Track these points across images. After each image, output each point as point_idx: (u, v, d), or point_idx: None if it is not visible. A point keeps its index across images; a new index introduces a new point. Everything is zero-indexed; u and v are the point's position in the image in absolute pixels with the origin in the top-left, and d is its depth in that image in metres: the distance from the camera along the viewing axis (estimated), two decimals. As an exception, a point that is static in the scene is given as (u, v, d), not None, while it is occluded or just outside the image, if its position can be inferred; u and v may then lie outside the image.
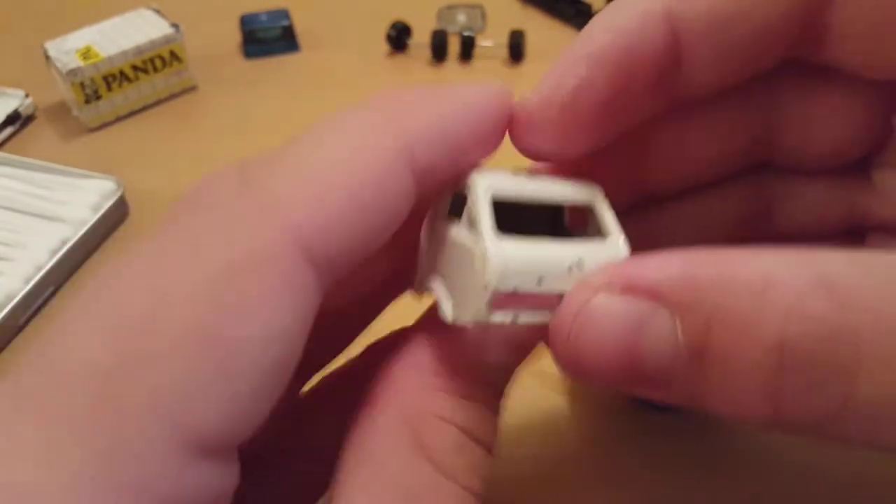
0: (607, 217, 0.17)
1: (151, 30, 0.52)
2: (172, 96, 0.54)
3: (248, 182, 0.14)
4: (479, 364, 0.18)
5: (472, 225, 0.16)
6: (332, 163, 0.15)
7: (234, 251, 0.13)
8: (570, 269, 0.15)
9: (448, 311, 0.17)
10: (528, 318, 0.16)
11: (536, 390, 0.34)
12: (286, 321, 0.13)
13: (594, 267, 0.16)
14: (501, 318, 0.15)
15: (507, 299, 0.15)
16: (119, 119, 0.52)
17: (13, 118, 0.51)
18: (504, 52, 0.58)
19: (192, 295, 0.13)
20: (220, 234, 0.13)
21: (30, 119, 0.52)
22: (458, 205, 0.17)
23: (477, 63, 0.58)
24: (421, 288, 0.19)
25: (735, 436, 0.32)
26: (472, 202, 0.16)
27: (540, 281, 0.15)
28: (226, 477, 0.14)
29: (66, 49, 0.50)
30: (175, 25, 0.53)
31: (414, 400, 0.17)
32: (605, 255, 0.16)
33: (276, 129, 0.52)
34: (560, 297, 0.16)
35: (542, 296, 0.16)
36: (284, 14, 0.59)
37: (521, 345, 0.19)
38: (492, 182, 0.16)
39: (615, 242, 0.16)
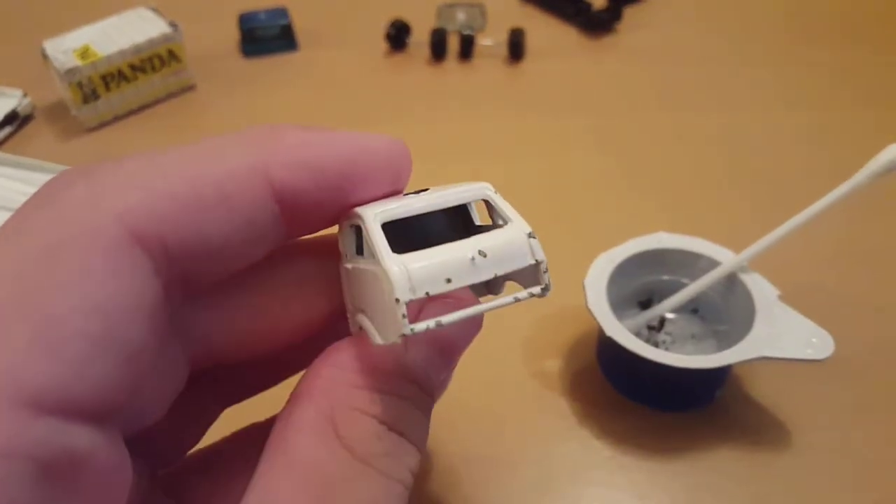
0: (503, 206, 0.18)
1: (150, 29, 0.52)
2: (171, 96, 0.54)
3: (88, 175, 0.16)
4: (399, 363, 0.19)
5: (371, 252, 0.17)
6: (173, 161, 0.16)
7: (58, 232, 0.15)
8: (472, 260, 0.16)
9: (376, 338, 0.17)
10: (450, 318, 0.16)
11: (536, 390, 0.34)
12: (107, 293, 0.14)
13: (497, 252, 0.17)
14: (424, 326, 0.16)
15: (426, 306, 0.17)
16: (117, 119, 0.52)
17: (11, 118, 0.51)
18: (504, 50, 0.57)
19: (15, 272, 0.14)
20: (49, 219, 0.15)
21: (28, 119, 0.52)
22: (360, 242, 0.18)
23: (476, 61, 0.58)
24: (354, 328, 0.20)
25: (736, 436, 0.32)
26: (365, 232, 0.17)
27: (449, 280, 0.16)
28: (82, 439, 0.14)
29: (64, 48, 0.50)
30: (173, 24, 0.53)
31: (331, 395, 0.17)
32: (505, 238, 0.17)
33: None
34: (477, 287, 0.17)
35: (457, 294, 0.17)
36: (283, 13, 0.59)
37: (443, 345, 0.19)
38: (378, 210, 0.17)
39: (515, 225, 0.18)
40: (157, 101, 0.54)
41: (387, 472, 0.17)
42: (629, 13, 0.62)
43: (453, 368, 0.21)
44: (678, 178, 0.46)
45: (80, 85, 0.49)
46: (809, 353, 0.30)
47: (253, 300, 0.19)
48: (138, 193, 0.15)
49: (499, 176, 0.47)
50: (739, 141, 0.49)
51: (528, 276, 0.18)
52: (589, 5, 0.61)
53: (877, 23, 0.62)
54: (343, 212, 0.18)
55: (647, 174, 0.47)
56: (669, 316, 0.36)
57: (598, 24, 0.60)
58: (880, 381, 0.34)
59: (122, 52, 0.50)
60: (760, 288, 0.32)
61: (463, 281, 0.16)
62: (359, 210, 0.18)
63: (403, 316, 0.16)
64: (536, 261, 0.17)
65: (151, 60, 0.52)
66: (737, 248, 0.33)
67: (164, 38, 0.52)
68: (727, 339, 0.33)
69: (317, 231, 0.19)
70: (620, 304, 0.35)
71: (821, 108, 0.52)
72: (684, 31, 0.61)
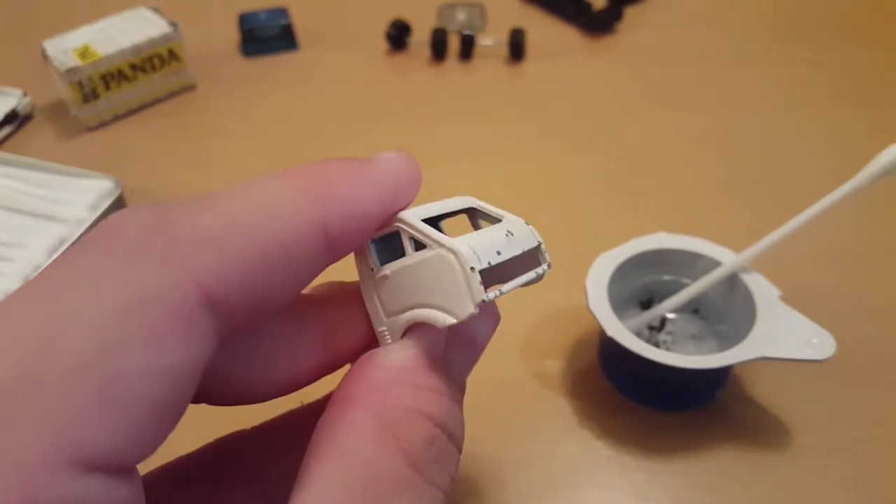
0: (491, 209, 0.21)
1: (150, 28, 0.52)
2: (171, 95, 0.54)
3: (159, 225, 0.16)
4: (445, 362, 0.19)
5: (420, 245, 0.18)
6: (246, 220, 0.16)
7: (132, 290, 0.14)
8: (507, 235, 0.19)
9: (447, 320, 0.18)
10: (510, 286, 0.18)
11: (536, 390, 0.34)
12: (175, 359, 0.15)
13: (517, 233, 0.19)
14: (493, 294, 0.17)
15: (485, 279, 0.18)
16: (117, 118, 0.52)
17: (11, 117, 0.51)
18: (504, 50, 0.57)
19: (87, 328, 0.14)
20: (123, 272, 0.15)
21: (28, 118, 0.52)
22: (386, 251, 0.20)
23: (477, 61, 0.58)
24: (385, 340, 0.20)
25: (736, 436, 0.32)
26: (413, 231, 0.18)
27: (499, 252, 0.18)
28: (118, 491, 0.14)
29: (64, 48, 0.50)
30: (173, 24, 0.52)
31: (386, 394, 0.17)
32: (514, 224, 0.20)
33: (275, 127, 0.51)
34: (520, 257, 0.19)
35: (505, 264, 0.19)
36: (283, 12, 0.59)
37: (472, 343, 0.20)
38: (413, 212, 0.19)
39: (510, 219, 0.20)
40: (157, 101, 0.54)
41: (433, 480, 0.17)
42: (629, 13, 0.62)
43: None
44: (678, 178, 0.46)
45: (80, 84, 0.49)
46: (810, 354, 0.30)
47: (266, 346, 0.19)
48: (215, 257, 0.15)
49: (499, 176, 0.47)
50: (740, 141, 0.49)
51: (530, 258, 0.19)
52: (589, 5, 0.61)
53: (877, 23, 0.62)
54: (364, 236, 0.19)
55: (647, 174, 0.47)
56: (670, 316, 0.36)
57: (599, 24, 0.60)
58: (881, 381, 0.34)
59: (122, 52, 0.50)
60: (761, 288, 0.32)
61: (509, 252, 0.18)
62: (401, 217, 0.19)
63: (479, 283, 0.17)
64: (538, 242, 0.20)
65: (151, 60, 0.52)
66: (737, 248, 0.33)
67: (165, 38, 0.52)
68: (728, 339, 0.33)
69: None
70: (621, 305, 0.35)
71: (821, 107, 0.52)
72: (684, 31, 0.61)
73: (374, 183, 0.18)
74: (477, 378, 0.35)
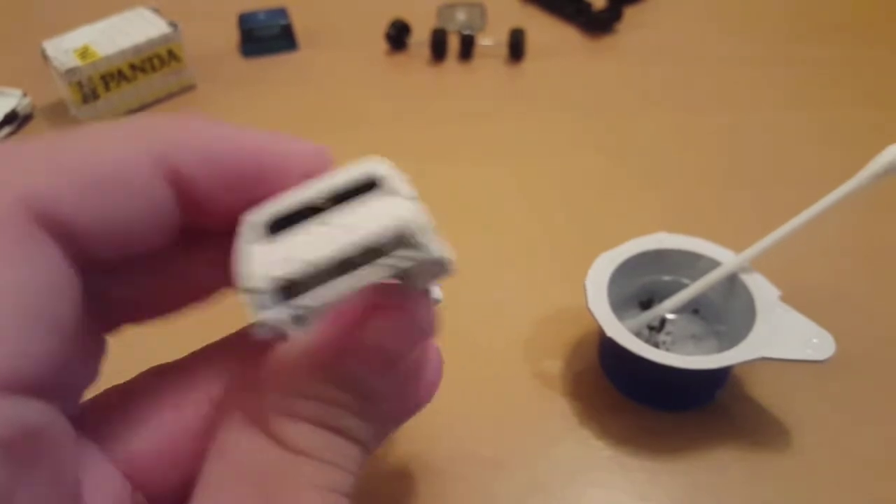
0: (394, 184, 0.17)
1: (149, 29, 0.52)
2: (171, 95, 0.54)
3: None
4: (321, 366, 0.19)
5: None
6: (78, 146, 0.17)
7: None
8: (328, 229, 0.16)
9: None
10: (319, 295, 0.16)
11: (536, 390, 0.34)
12: (30, 274, 0.15)
13: (367, 219, 0.16)
14: (272, 313, 0.16)
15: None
16: (117, 118, 0.52)
17: (11, 118, 0.51)
18: (504, 50, 0.57)
19: None
20: None
21: (27, 118, 0.52)
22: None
23: (477, 62, 0.58)
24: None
25: (736, 436, 0.32)
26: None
27: (307, 259, 0.15)
28: (32, 413, 0.15)
29: (64, 48, 0.50)
30: (173, 24, 0.52)
31: (259, 400, 0.18)
32: (375, 210, 0.16)
33: (274, 127, 0.51)
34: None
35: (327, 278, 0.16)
36: (283, 13, 0.59)
37: (375, 352, 0.19)
38: (263, 211, 0.17)
39: (393, 200, 0.16)
40: (156, 101, 0.54)
41: (324, 458, 0.18)
42: (629, 13, 0.62)
43: (400, 377, 0.20)
44: (678, 178, 0.46)
45: (79, 85, 0.49)
46: (810, 354, 0.29)
47: (165, 280, 0.20)
48: (40, 177, 0.16)
49: (499, 176, 0.47)
50: (740, 141, 0.49)
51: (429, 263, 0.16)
52: (589, 5, 0.61)
53: (878, 22, 0.62)
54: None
55: (647, 174, 0.47)
56: (670, 316, 0.36)
57: (599, 24, 0.60)
58: (881, 381, 0.34)
59: (122, 52, 0.50)
60: (761, 288, 0.32)
61: (325, 253, 0.15)
62: (246, 217, 0.18)
63: (257, 303, 0.16)
64: (408, 226, 0.15)
65: (151, 60, 0.52)
66: (737, 249, 0.33)
67: (164, 38, 0.52)
68: (728, 339, 0.33)
69: (221, 225, 0.19)
70: (621, 305, 0.35)
71: (822, 107, 0.52)
72: (685, 31, 0.61)
73: (237, 137, 0.18)
74: (477, 378, 0.35)
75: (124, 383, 0.21)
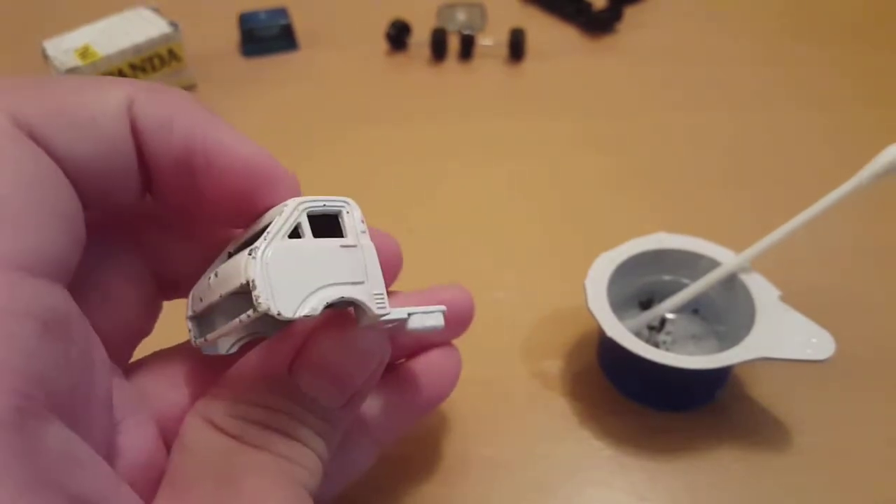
0: (274, 228, 0.19)
1: (150, 28, 0.52)
2: (171, 95, 0.54)
3: None
4: (274, 380, 0.20)
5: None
6: (60, 88, 0.18)
7: None
8: (210, 279, 0.19)
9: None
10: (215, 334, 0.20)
11: (536, 390, 0.34)
12: (34, 170, 0.16)
13: (223, 272, 0.19)
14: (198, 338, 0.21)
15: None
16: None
17: (11, 117, 0.51)
18: (504, 50, 0.57)
19: None
20: None
21: (28, 118, 0.52)
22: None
23: (477, 62, 0.58)
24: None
25: (736, 436, 0.32)
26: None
27: (201, 299, 0.20)
28: (59, 297, 0.16)
29: (65, 48, 0.50)
30: (173, 24, 0.52)
31: (216, 405, 0.20)
32: (237, 259, 0.18)
33: (275, 127, 0.51)
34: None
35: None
36: (283, 12, 0.59)
37: (333, 374, 0.21)
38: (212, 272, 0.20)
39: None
40: (157, 101, 0.54)
41: (279, 452, 0.19)
42: (630, 13, 0.62)
43: (355, 399, 0.21)
44: (679, 178, 0.46)
45: (80, 84, 0.49)
46: (810, 354, 0.29)
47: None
48: (21, 99, 0.17)
49: (499, 176, 0.47)
50: (740, 141, 0.49)
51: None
52: (589, 5, 0.61)
53: (879, 22, 0.62)
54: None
55: (647, 174, 0.47)
56: (670, 316, 0.36)
57: (599, 24, 0.60)
58: (881, 381, 0.34)
59: (122, 52, 0.50)
60: (761, 288, 0.32)
61: (210, 298, 0.19)
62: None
63: (189, 330, 0.20)
64: (246, 280, 0.17)
65: (152, 60, 0.52)
66: (738, 249, 0.33)
67: (165, 38, 0.52)
68: (728, 339, 0.33)
69: (190, 211, 0.21)
70: (621, 305, 0.35)
71: (822, 107, 0.52)
72: (685, 31, 0.61)
73: (213, 130, 0.19)
74: (476, 378, 0.35)
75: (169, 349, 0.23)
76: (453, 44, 0.58)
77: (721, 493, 0.30)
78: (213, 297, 0.18)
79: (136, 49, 0.51)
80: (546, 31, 0.60)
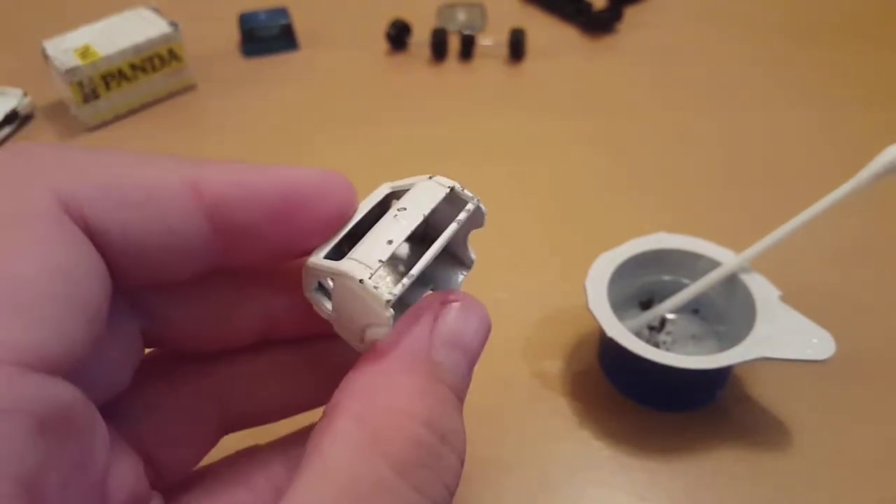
0: (402, 184, 0.20)
1: (150, 28, 0.52)
2: (171, 95, 0.54)
3: (20, 153, 0.17)
4: (430, 363, 0.19)
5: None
6: (109, 160, 0.17)
7: (5, 206, 0.16)
8: (395, 216, 0.18)
9: (378, 335, 0.18)
10: (423, 261, 0.18)
11: (536, 390, 0.34)
12: (64, 258, 0.15)
13: (412, 200, 0.18)
14: (399, 288, 0.17)
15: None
16: (118, 118, 0.52)
17: (11, 117, 0.51)
18: (504, 50, 0.57)
19: None
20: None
21: (28, 118, 0.52)
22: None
23: (477, 62, 0.58)
24: (363, 348, 0.20)
25: (736, 436, 0.32)
26: (318, 271, 0.19)
27: (390, 241, 0.18)
28: (64, 393, 0.15)
29: (65, 48, 0.50)
30: (174, 24, 0.53)
31: (367, 397, 0.17)
32: (412, 195, 0.19)
33: (275, 127, 0.51)
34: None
35: (427, 232, 0.19)
36: (283, 12, 0.59)
37: (462, 344, 0.20)
38: (319, 250, 0.19)
39: (415, 187, 0.19)
40: (157, 101, 0.54)
41: (420, 487, 0.16)
42: (630, 13, 0.62)
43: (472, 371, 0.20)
44: (678, 178, 0.46)
45: (80, 84, 0.49)
46: (810, 354, 0.30)
47: (204, 311, 0.20)
48: (75, 181, 0.16)
49: (499, 176, 0.47)
50: (740, 141, 0.49)
51: (455, 208, 0.19)
52: (589, 5, 0.61)
53: (878, 21, 0.62)
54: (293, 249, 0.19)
55: (647, 174, 0.47)
56: (670, 316, 0.36)
57: (599, 24, 0.60)
58: (881, 381, 0.34)
59: (122, 52, 0.50)
60: (761, 288, 0.32)
61: (403, 231, 0.18)
62: (308, 261, 0.19)
63: (375, 287, 0.17)
64: (450, 187, 0.18)
65: (152, 60, 0.52)
66: (737, 248, 0.33)
67: (165, 38, 0.52)
68: (728, 339, 0.33)
69: (262, 261, 0.20)
70: (621, 305, 0.35)
71: (822, 107, 0.52)
72: (685, 31, 0.61)
73: (263, 169, 0.19)
74: (477, 378, 0.34)
75: None
76: (453, 44, 0.58)
77: (721, 493, 0.30)
78: (410, 226, 0.18)
79: (137, 49, 0.51)
80: (546, 31, 0.60)
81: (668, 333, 0.36)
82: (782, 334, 0.30)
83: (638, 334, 0.32)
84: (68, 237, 0.16)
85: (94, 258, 0.16)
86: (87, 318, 0.16)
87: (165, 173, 0.17)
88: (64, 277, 0.15)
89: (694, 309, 0.36)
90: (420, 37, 0.58)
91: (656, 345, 0.35)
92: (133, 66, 0.51)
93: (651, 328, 0.36)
